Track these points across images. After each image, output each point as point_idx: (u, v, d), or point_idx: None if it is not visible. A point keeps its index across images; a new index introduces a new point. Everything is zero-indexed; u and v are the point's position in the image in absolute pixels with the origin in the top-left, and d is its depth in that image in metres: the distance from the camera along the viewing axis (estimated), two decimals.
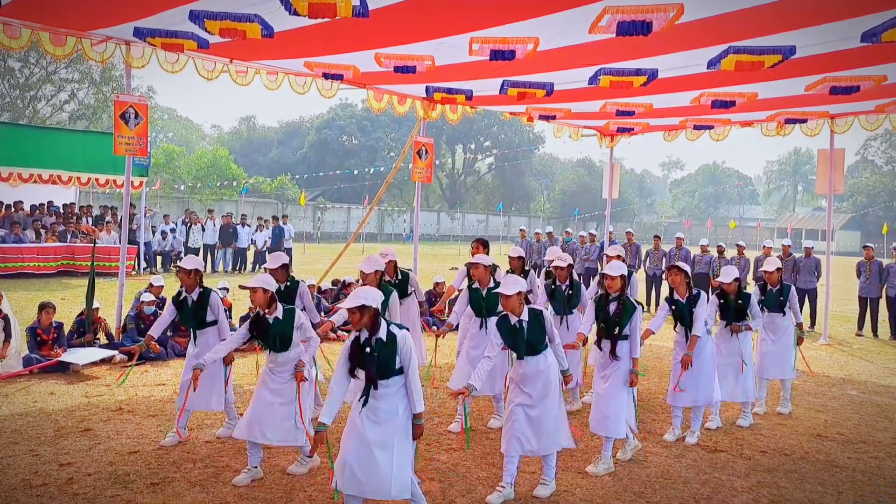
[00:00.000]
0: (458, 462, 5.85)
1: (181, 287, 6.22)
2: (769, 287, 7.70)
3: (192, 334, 6.24)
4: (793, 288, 7.87)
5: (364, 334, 4.29)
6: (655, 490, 5.46)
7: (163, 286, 10.08)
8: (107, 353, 8.81)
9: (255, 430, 5.23)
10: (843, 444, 6.84)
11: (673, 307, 6.63)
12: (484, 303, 6.77)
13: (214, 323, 6.21)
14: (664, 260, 15.49)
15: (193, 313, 6.15)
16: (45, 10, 7.65)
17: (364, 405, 4.29)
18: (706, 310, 6.55)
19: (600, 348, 5.93)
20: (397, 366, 4.28)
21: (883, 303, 13.58)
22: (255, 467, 5.33)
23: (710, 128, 12.78)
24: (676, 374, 6.62)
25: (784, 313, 7.73)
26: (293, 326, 5.37)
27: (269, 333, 5.33)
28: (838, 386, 9.31)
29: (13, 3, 7.10)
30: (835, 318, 15.06)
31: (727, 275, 7.00)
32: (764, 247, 14.87)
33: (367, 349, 4.25)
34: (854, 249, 55.12)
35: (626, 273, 5.93)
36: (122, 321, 9.45)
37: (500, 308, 6.76)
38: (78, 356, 8.46)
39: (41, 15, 7.81)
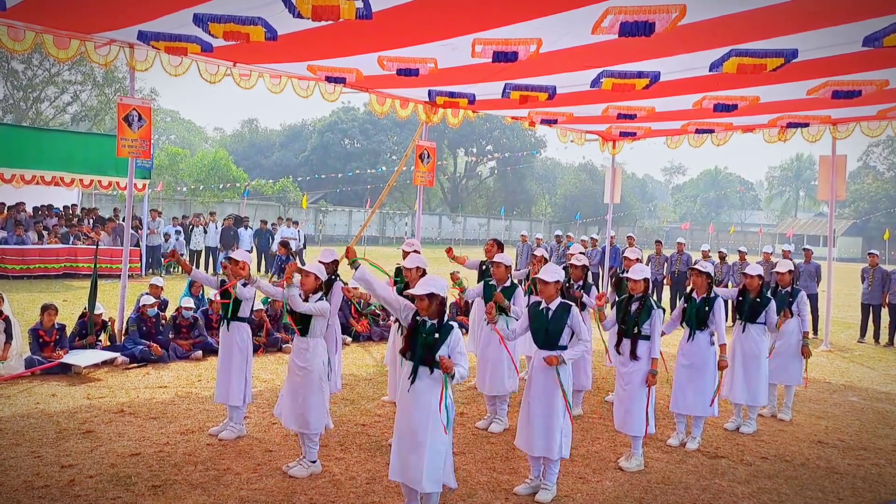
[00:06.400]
0: (458, 466, 5.84)
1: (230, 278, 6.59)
2: (780, 288, 7.74)
3: (225, 324, 6.48)
4: (803, 293, 7.89)
5: (427, 320, 4.54)
6: (656, 496, 5.46)
7: (163, 287, 10.09)
8: (109, 354, 8.82)
9: (281, 415, 5.68)
10: (844, 450, 6.84)
11: (685, 305, 6.70)
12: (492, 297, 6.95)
13: (245, 320, 6.45)
14: (665, 265, 15.50)
15: (229, 303, 6.47)
16: (48, 13, 7.67)
17: (412, 384, 4.50)
18: (723, 317, 6.64)
19: (619, 352, 6.09)
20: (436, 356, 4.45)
21: (886, 310, 13.54)
22: (313, 462, 5.60)
23: (712, 131, 12.78)
24: (680, 380, 6.64)
25: (791, 315, 7.74)
26: (314, 315, 5.59)
27: (299, 315, 5.62)
28: (839, 392, 9.30)
29: (17, 6, 7.12)
30: (836, 324, 15.04)
31: (752, 269, 7.25)
32: (764, 252, 14.87)
33: (423, 334, 4.49)
34: (856, 255, 55.05)
35: (648, 276, 6.10)
36: (125, 324, 9.46)
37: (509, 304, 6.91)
38: (80, 358, 8.46)
39: (45, 17, 7.82)
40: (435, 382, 4.47)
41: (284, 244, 14.56)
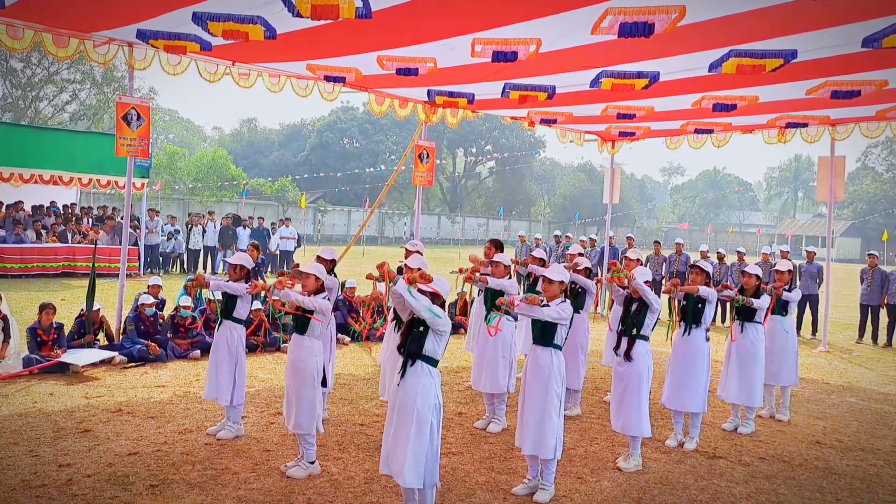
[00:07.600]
0: (456, 466, 5.85)
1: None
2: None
3: (219, 324, 6.48)
4: (798, 291, 7.98)
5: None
6: (654, 496, 5.46)
7: (161, 287, 10.07)
8: (107, 354, 8.81)
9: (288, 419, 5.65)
10: (842, 451, 6.84)
11: (683, 302, 6.71)
12: (491, 297, 7.00)
13: (240, 321, 6.43)
14: (664, 265, 15.50)
15: (222, 302, 6.46)
16: (48, 12, 7.66)
17: (402, 378, 4.59)
18: (712, 309, 6.70)
19: (617, 353, 6.12)
20: (425, 351, 4.55)
21: (884, 311, 13.54)
22: (312, 462, 5.58)
23: (711, 132, 12.79)
24: (674, 375, 6.65)
25: (786, 313, 7.75)
26: (315, 310, 5.58)
27: (300, 312, 5.62)
28: (837, 393, 9.30)
29: (16, 4, 7.11)
30: (834, 325, 15.05)
31: (750, 269, 7.27)
32: (762, 253, 14.87)
33: (416, 329, 4.59)
34: (854, 256, 55.10)
35: (650, 279, 6.12)
36: (122, 323, 9.45)
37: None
38: (78, 357, 8.45)
39: (44, 16, 7.81)
40: (422, 379, 4.54)
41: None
